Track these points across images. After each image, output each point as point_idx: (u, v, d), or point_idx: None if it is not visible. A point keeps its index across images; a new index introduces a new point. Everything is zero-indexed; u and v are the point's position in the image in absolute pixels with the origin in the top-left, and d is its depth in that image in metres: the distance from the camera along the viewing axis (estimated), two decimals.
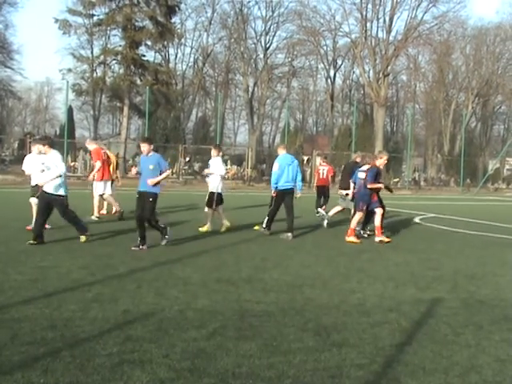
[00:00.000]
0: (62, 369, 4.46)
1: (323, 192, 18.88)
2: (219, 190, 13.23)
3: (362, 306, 6.73)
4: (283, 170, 12.81)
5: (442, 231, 15.39)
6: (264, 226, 13.15)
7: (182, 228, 13.63)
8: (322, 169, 19.16)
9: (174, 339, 5.25)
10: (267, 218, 13.15)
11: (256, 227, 13.64)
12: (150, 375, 4.40)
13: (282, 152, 13.31)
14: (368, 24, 53.18)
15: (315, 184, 20.10)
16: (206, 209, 13.44)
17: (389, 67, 53.50)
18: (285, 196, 12.87)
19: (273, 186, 13.15)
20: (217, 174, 13.29)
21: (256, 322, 5.91)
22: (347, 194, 15.14)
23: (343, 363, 4.81)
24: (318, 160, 26.33)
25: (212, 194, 13.15)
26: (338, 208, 15.79)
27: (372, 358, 4.97)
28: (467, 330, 5.96)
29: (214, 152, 13.63)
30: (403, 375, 4.60)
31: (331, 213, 15.72)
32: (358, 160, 16.03)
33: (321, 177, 19.14)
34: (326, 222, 15.33)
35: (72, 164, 43.95)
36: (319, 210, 17.94)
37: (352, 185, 14.40)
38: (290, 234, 12.60)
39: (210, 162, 13.72)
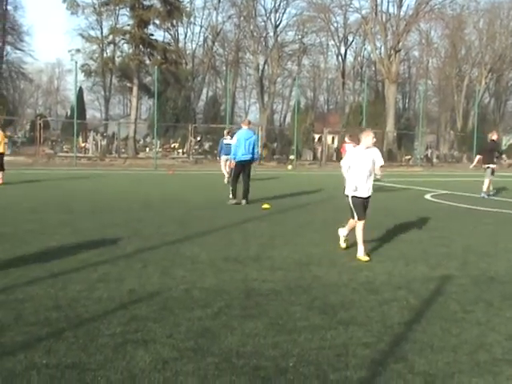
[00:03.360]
0: (64, 349, 4.41)
1: None
2: None
3: (371, 284, 6.63)
4: (240, 143, 14.35)
5: (455, 208, 15.22)
6: (230, 196, 14.54)
7: (191, 207, 13.58)
8: (349, 147, 19.34)
9: (178, 319, 5.19)
10: (231, 188, 14.71)
11: (264, 205, 13.57)
12: (153, 355, 4.34)
13: (244, 127, 14.82)
14: None
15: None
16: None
17: (400, 43, 52.92)
18: (243, 167, 14.47)
19: (231, 157, 15.10)
20: None
21: (262, 300, 5.84)
22: (489, 167, 18.56)
23: (349, 342, 4.73)
24: (330, 139, 28.73)
25: None
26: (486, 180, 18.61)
27: (379, 336, 4.88)
28: (477, 307, 5.84)
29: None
30: (411, 353, 4.50)
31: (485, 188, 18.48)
32: (495, 138, 19.44)
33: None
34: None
35: (83, 145, 44.02)
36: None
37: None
38: (244, 201, 14.32)
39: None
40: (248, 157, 14.45)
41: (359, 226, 8.33)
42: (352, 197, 8.46)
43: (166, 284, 6.38)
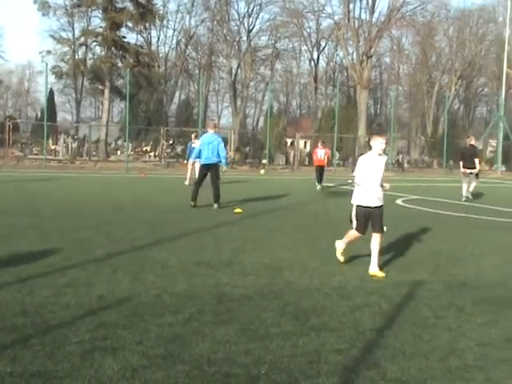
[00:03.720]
0: (30, 357, 4.29)
1: (321, 171, 22.66)
2: None
3: (343, 289, 6.61)
4: (204, 147, 14.38)
5: (425, 213, 15.34)
6: (191, 199, 14.32)
7: (162, 211, 13.46)
8: (320, 152, 22.92)
9: (148, 325, 5.10)
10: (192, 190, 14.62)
11: (236, 210, 13.51)
12: (122, 363, 4.24)
13: (209, 131, 14.82)
14: (351, 5, 52.97)
15: (314, 164, 23.82)
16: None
17: (372, 49, 53.33)
18: (207, 170, 14.38)
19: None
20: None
21: (234, 306, 5.77)
22: (471, 173, 19.16)
23: (322, 348, 4.69)
24: (302, 143, 30.88)
25: None
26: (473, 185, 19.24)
27: (352, 342, 4.85)
28: (448, 312, 5.86)
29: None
30: (383, 360, 4.48)
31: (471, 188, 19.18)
32: (473, 143, 20.34)
33: (318, 158, 22.90)
34: None
35: (53, 147, 43.49)
36: (318, 185, 22.10)
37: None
38: (215, 205, 14.17)
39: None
40: (211, 160, 14.26)
41: (376, 238, 7.76)
42: (357, 206, 7.88)
43: (135, 289, 6.28)
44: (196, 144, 19.15)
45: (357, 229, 7.89)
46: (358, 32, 53.12)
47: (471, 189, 19.12)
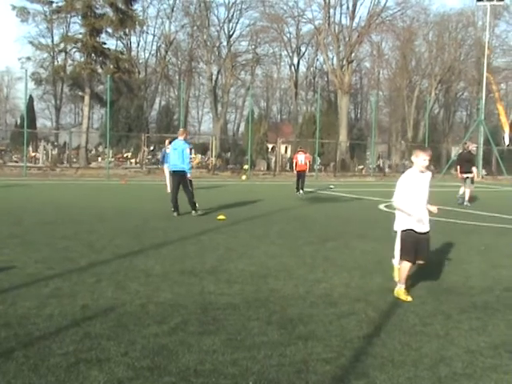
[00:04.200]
0: (14, 370, 4.22)
1: (302, 176, 23.03)
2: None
3: (329, 297, 6.58)
4: (170, 153, 14.77)
5: None
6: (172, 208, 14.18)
7: (145, 218, 13.36)
8: (300, 157, 23.43)
9: (133, 336, 5.04)
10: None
11: (219, 217, 13.46)
12: (108, 375, 4.18)
13: (179, 138, 14.66)
14: (331, 10, 53.24)
15: (295, 169, 24.01)
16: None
17: (353, 54, 53.63)
18: (177, 177, 14.34)
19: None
20: None
21: (220, 315, 5.73)
22: (467, 177, 19.38)
23: (309, 357, 4.65)
24: (283, 148, 31.92)
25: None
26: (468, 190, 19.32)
27: (339, 351, 4.82)
28: (435, 319, 5.84)
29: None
30: (372, 369, 4.45)
31: (467, 197, 19.19)
32: (470, 148, 20.81)
33: (299, 163, 23.33)
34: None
35: (33, 154, 43.12)
36: (300, 191, 22.49)
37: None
38: (193, 212, 14.06)
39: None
40: (177, 167, 14.22)
41: (406, 265, 6.73)
42: (406, 230, 6.81)
43: (120, 299, 6.21)
44: (169, 150, 20.51)
45: (405, 258, 6.75)
46: (339, 37, 53.42)
47: (467, 196, 19.25)
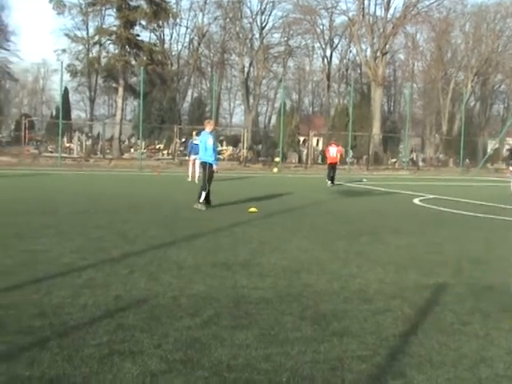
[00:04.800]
0: (48, 360, 4.20)
1: (333, 168, 23.57)
2: None
3: (363, 293, 6.47)
4: (198, 145, 14.87)
5: (444, 213, 15.11)
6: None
7: (178, 209, 13.39)
8: (332, 149, 23.97)
9: (166, 328, 5.00)
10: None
11: (251, 209, 13.41)
12: (141, 367, 4.15)
13: (205, 130, 14.52)
14: (366, 1, 52.63)
15: (327, 162, 24.86)
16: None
17: (387, 46, 52.96)
18: (202, 168, 14.49)
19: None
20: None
21: (252, 309, 5.66)
22: None
23: (344, 355, 4.55)
24: (315, 141, 33.12)
25: None
26: None
27: (375, 349, 4.71)
28: (474, 318, 5.67)
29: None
30: (409, 368, 4.33)
31: None
32: None
33: (331, 155, 23.88)
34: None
35: (68, 145, 43.59)
36: (329, 182, 23.18)
37: None
38: (196, 204, 13.74)
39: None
40: (202, 158, 14.30)
41: None
42: None
43: (153, 291, 6.19)
44: (197, 141, 21.18)
45: None
46: (373, 28, 52.79)
47: None
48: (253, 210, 13.34)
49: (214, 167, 13.97)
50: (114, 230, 9.99)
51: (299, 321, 5.36)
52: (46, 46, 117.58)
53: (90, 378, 3.95)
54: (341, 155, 25.23)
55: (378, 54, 52.04)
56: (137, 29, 41.84)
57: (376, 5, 54.22)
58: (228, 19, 62.96)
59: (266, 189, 20.77)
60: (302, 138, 50.88)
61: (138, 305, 5.66)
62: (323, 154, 36.19)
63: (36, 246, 8.36)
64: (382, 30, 52.95)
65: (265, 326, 5.18)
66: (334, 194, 19.96)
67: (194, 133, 24.38)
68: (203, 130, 14.78)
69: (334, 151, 23.87)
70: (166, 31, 64.08)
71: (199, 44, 65.77)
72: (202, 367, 4.20)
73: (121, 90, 40.66)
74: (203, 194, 13.72)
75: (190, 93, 70.16)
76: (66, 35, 45.40)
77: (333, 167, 23.66)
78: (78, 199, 15.08)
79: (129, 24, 39.16)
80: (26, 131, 40.11)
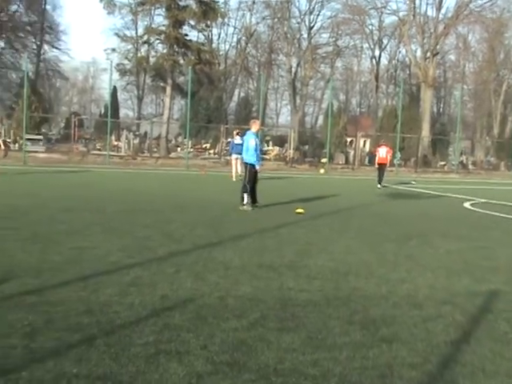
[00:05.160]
0: (96, 358, 4.21)
1: (381, 169, 23.54)
2: None
3: (413, 298, 6.32)
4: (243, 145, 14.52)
5: (496, 218, 14.71)
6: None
7: (224, 209, 13.39)
8: (382, 150, 23.96)
9: (213, 329, 4.96)
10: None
11: (298, 210, 13.31)
12: (187, 368, 4.11)
13: (251, 128, 14.40)
14: (417, 1, 51.86)
15: (376, 162, 24.49)
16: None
17: (438, 46, 52.03)
18: (245, 168, 14.20)
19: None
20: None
21: (299, 312, 5.58)
22: None
23: (394, 361, 4.44)
24: (362, 142, 33.15)
25: None
26: None
27: (426, 356, 4.58)
28: None
29: None
30: (461, 377, 4.19)
31: None
32: None
33: (380, 156, 23.86)
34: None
35: (116, 143, 44.18)
36: (378, 185, 23.05)
37: None
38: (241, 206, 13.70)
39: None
40: (244, 159, 14.20)
41: None
42: None
43: (199, 290, 6.17)
44: (237, 140, 22.68)
45: None
46: (424, 29, 51.95)
47: None
48: (300, 210, 13.23)
49: (257, 167, 13.88)
50: (160, 230, 10.02)
51: (347, 325, 5.27)
52: (95, 45, 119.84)
53: (137, 378, 3.93)
54: (390, 156, 25.08)
55: (429, 54, 51.19)
56: (185, 28, 42.18)
57: (427, 4, 53.47)
58: (276, 19, 62.86)
59: (312, 190, 20.64)
60: (348, 139, 50.44)
61: (184, 305, 5.64)
62: (372, 155, 35.99)
63: (84, 243, 8.43)
64: (432, 30, 52.08)
65: (312, 329, 5.09)
66: (382, 196, 19.70)
67: (234, 132, 24.73)
68: (247, 129, 14.77)
69: (383, 152, 23.95)
70: (214, 31, 64.45)
71: (247, 44, 65.91)
72: (248, 370, 4.15)
73: (169, 89, 41.01)
74: (245, 196, 13.70)
75: (236, 92, 70.44)
76: (116, 34, 46.16)
77: (381, 168, 23.71)
78: (126, 197, 15.22)
79: (178, 24, 39.46)
80: (76, 129, 40.76)
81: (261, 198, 14.17)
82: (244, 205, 13.62)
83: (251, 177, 13.80)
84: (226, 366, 4.21)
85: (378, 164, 23.98)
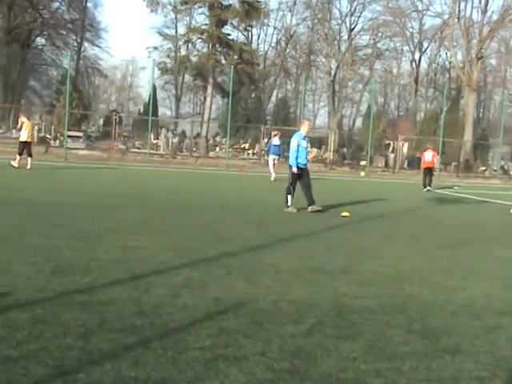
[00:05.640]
0: (153, 362, 4.11)
1: (428, 173, 23.80)
2: None
3: (470, 307, 6.10)
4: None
5: None
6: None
7: (269, 211, 13.27)
8: (428, 154, 24.36)
9: (269, 334, 4.83)
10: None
11: (343, 213, 13.12)
12: (247, 375, 3.99)
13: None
14: (462, 4, 51.03)
15: (422, 166, 25.19)
16: None
17: (483, 50, 51.08)
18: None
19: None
20: None
21: (356, 319, 5.42)
22: None
23: (459, 374, 4.25)
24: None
25: None
26: None
27: (492, 369, 4.38)
28: None
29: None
30: None
31: None
32: None
33: (426, 160, 24.29)
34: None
35: (155, 142, 44.43)
36: (426, 187, 23.13)
37: None
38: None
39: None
40: (289, 161, 13.93)
41: None
42: None
43: (251, 294, 6.04)
44: (275, 141, 23.37)
45: None
46: (469, 31, 51.06)
47: None
48: (345, 214, 13.05)
49: (293, 169, 13.62)
50: (207, 230, 9.93)
51: (407, 334, 5.09)
52: (134, 43, 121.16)
53: (196, 383, 3.82)
54: (436, 160, 25.46)
55: (471, 57, 50.29)
56: (227, 28, 42.18)
57: (472, 8, 52.56)
58: (316, 20, 62.56)
59: (355, 193, 20.43)
60: (387, 142, 49.90)
61: (237, 308, 5.52)
62: (412, 159, 36.02)
63: (131, 242, 8.36)
64: (477, 33, 51.16)
65: (371, 337, 4.94)
66: (427, 200, 19.36)
67: (272, 133, 24.85)
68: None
69: (429, 156, 24.27)
70: (254, 31, 64.52)
71: (287, 44, 65.73)
72: (310, 379, 4.02)
73: (210, 88, 41.06)
74: (289, 198, 13.52)
75: (274, 93, 70.30)
76: (158, 32, 46.38)
77: (428, 172, 23.98)
78: (170, 196, 15.23)
79: (220, 23, 39.48)
80: (116, 127, 41.10)
81: (303, 201, 13.93)
82: (288, 207, 13.45)
83: (293, 178, 13.62)
84: (286, 373, 4.08)
85: (424, 168, 24.31)
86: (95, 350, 4.27)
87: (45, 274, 6.23)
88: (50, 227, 9.19)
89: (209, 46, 40.50)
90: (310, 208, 13.33)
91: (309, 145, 14.21)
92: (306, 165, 13.75)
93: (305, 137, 13.91)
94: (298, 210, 13.39)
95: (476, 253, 9.51)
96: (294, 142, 13.68)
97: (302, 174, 13.63)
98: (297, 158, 13.52)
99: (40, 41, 59.62)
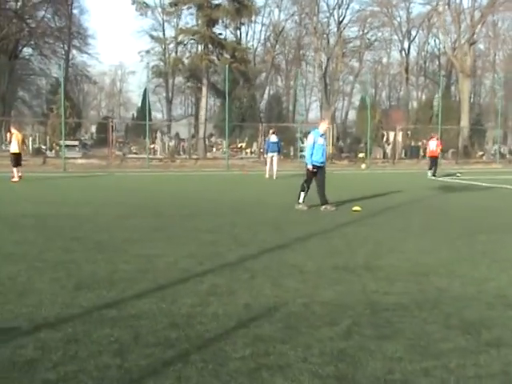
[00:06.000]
0: (195, 376, 4.00)
1: (433, 161, 24.93)
2: None
3: (504, 298, 5.99)
4: None
5: None
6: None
7: (281, 210, 13.15)
8: (432, 143, 25.34)
9: (307, 339, 4.72)
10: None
11: (354, 208, 13.01)
12: (294, 383, 3.88)
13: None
14: None
15: (427, 155, 26.53)
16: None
17: (475, 35, 50.91)
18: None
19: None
20: None
21: (392, 317, 5.32)
22: None
23: (509, 368, 4.16)
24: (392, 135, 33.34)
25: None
26: None
27: None
28: None
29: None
30: None
31: None
32: None
33: (430, 149, 25.39)
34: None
35: (152, 146, 44.22)
36: (429, 173, 24.62)
37: None
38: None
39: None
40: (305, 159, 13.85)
41: None
42: None
43: (280, 297, 5.93)
44: (272, 138, 23.54)
45: None
46: (460, 17, 50.87)
47: None
48: (357, 208, 12.94)
49: (308, 166, 13.50)
50: (224, 234, 9.80)
51: (446, 330, 5.01)
52: (122, 47, 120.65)
53: None
54: (441, 148, 26.39)
55: (462, 43, 50.11)
56: (218, 27, 41.93)
57: None
58: (304, 14, 62.39)
59: (359, 186, 20.34)
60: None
61: (269, 313, 5.42)
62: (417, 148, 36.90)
63: (148, 250, 8.25)
64: (469, 19, 50.92)
65: (411, 335, 4.84)
66: (434, 189, 19.24)
67: (270, 131, 25.00)
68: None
69: (433, 145, 25.16)
70: (242, 29, 64.29)
71: (276, 41, 65.54)
72: (358, 383, 3.91)
73: (204, 89, 40.80)
74: (302, 194, 13.38)
75: (266, 90, 70.10)
76: (150, 36, 46.08)
77: (432, 160, 24.99)
78: (178, 201, 15.06)
79: (211, 23, 39.21)
80: (113, 133, 40.87)
81: (315, 199, 13.76)
82: (299, 204, 13.33)
83: (308, 176, 13.48)
84: (333, 379, 3.99)
85: (430, 156, 25.36)
86: (134, 367, 4.16)
87: (69, 290, 6.11)
88: (65, 241, 9.03)
89: (201, 47, 40.23)
90: (323, 207, 13.19)
91: (325, 142, 13.96)
92: (323, 163, 13.49)
93: (322, 134, 13.62)
94: (308, 208, 13.26)
95: (496, 240, 9.40)
96: (310, 138, 13.56)
97: (318, 172, 13.41)
98: (312, 155, 13.33)
99: (27, 51, 59.07)
